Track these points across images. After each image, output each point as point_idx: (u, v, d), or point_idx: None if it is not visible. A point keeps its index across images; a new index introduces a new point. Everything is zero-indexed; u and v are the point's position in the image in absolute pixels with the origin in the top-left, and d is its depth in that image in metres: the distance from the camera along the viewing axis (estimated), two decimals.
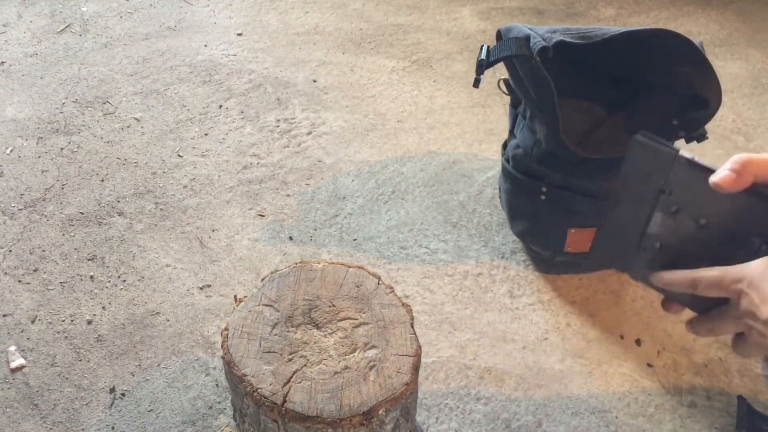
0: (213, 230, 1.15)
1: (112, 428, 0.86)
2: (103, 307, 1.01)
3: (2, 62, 1.56)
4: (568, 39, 0.88)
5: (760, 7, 1.87)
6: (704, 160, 0.55)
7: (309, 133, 1.37)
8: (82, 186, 1.23)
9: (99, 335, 0.98)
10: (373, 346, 0.69)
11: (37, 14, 1.75)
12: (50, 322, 0.99)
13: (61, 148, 1.32)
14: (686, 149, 0.54)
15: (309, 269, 0.77)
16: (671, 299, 0.60)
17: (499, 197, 1.12)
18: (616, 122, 0.97)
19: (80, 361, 0.94)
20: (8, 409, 0.88)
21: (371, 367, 0.67)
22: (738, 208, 0.54)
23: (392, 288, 0.75)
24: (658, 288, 0.60)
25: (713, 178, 0.52)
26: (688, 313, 0.59)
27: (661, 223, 0.57)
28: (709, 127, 0.94)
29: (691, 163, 0.54)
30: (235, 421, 0.81)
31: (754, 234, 0.54)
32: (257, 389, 0.65)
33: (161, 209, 1.19)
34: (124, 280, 1.06)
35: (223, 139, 1.35)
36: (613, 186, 0.59)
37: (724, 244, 0.55)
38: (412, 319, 0.73)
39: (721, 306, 0.56)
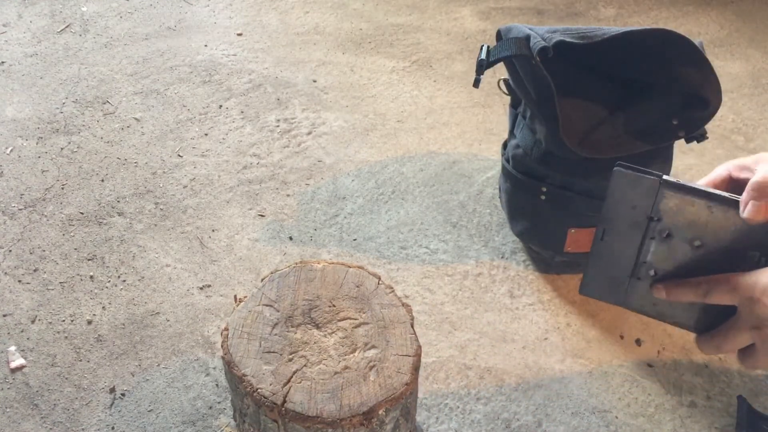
0: (213, 230, 1.15)
1: (112, 428, 0.86)
2: (103, 307, 1.01)
3: (2, 62, 1.56)
4: (568, 39, 0.88)
5: (760, 7, 1.87)
6: (689, 182, 0.54)
7: (309, 133, 1.37)
8: (82, 186, 1.23)
9: (99, 335, 0.98)
10: (373, 346, 0.69)
11: (37, 14, 1.75)
12: (50, 322, 0.99)
13: (61, 148, 1.32)
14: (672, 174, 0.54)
15: (309, 269, 0.77)
16: (669, 323, 0.59)
17: (499, 197, 1.12)
18: (616, 122, 0.96)
19: (80, 361, 0.94)
20: (8, 409, 0.88)
21: (371, 367, 0.67)
22: (735, 226, 0.53)
23: (392, 288, 0.75)
24: (655, 315, 0.59)
25: (745, 215, 0.51)
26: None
27: (654, 250, 0.56)
28: (709, 127, 0.94)
29: (678, 187, 0.54)
30: (235, 421, 0.81)
31: (751, 248, 0.53)
32: (257, 389, 0.65)
33: (161, 209, 1.19)
34: (124, 280, 1.06)
35: (223, 139, 1.35)
36: (598, 219, 0.58)
37: (722, 261, 0.54)
38: (412, 319, 0.73)
39: (726, 321, 0.55)
